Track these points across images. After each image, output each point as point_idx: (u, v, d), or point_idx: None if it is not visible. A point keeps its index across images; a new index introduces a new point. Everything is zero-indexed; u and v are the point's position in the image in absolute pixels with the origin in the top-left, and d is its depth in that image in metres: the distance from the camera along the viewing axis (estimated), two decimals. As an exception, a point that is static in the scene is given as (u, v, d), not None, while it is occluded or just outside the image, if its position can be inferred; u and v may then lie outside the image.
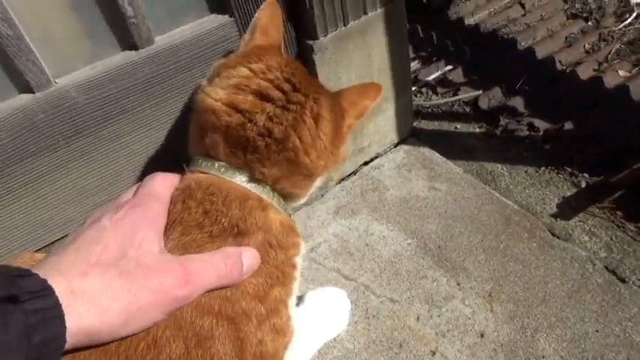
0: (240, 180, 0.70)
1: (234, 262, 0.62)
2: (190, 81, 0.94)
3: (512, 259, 0.98)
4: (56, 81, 0.83)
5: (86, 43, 0.85)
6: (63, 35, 0.83)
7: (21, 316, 0.41)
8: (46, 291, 0.45)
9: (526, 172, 1.23)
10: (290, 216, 0.78)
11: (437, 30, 1.83)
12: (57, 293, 0.45)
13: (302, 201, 0.83)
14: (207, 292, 0.61)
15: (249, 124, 0.68)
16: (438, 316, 0.90)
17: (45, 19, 0.80)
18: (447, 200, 1.12)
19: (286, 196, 0.76)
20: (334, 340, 0.89)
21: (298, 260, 0.75)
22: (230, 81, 0.72)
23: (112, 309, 0.50)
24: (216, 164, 0.70)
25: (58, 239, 0.93)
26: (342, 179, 1.24)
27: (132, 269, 0.53)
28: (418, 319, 0.90)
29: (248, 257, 0.64)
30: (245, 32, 0.94)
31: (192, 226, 0.66)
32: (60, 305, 0.45)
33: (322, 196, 1.21)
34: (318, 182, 0.82)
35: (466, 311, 0.90)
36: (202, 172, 0.71)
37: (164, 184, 0.67)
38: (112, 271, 0.52)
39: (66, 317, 0.45)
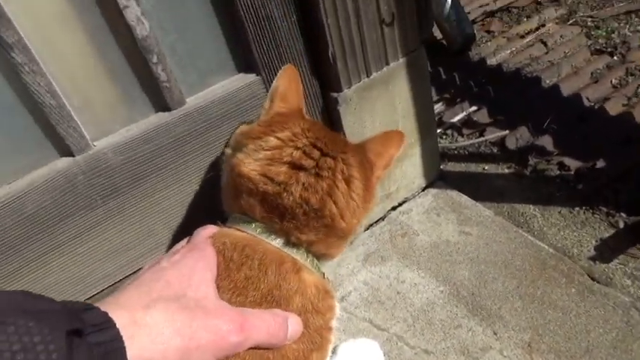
0: (277, 243, 0.71)
1: (281, 322, 0.62)
2: (220, 137, 0.97)
3: (550, 306, 0.95)
4: (94, 144, 0.88)
5: (122, 108, 0.90)
6: (101, 101, 0.88)
7: (85, 349, 0.41)
8: (108, 323, 0.45)
9: (559, 212, 1.20)
10: (323, 275, 0.78)
11: (459, 71, 1.85)
12: (119, 325, 0.45)
13: (335, 259, 0.83)
14: (252, 349, 0.61)
15: (285, 194, 0.70)
16: (475, 367, 0.88)
17: (84, 88, 0.85)
18: (479, 245, 1.11)
19: (320, 257, 0.77)
20: (368, 394, 0.87)
21: (334, 324, 0.75)
22: (260, 154, 0.73)
23: (173, 343, 0.50)
24: (254, 224, 0.72)
25: (96, 294, 0.95)
26: (371, 225, 1.24)
27: (192, 307, 0.54)
28: (454, 371, 0.88)
29: (293, 323, 0.64)
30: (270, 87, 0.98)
31: (227, 289, 0.66)
32: (121, 337, 0.45)
33: (351, 243, 1.21)
34: (351, 239, 0.83)
35: (504, 363, 0.87)
36: (239, 230, 0.72)
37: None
38: (174, 306, 0.52)
39: (128, 348, 0.45)
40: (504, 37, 2.07)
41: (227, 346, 0.55)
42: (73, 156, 0.86)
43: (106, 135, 0.90)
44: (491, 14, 2.24)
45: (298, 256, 0.72)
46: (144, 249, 0.97)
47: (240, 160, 0.74)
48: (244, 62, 0.98)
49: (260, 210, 0.71)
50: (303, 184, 0.71)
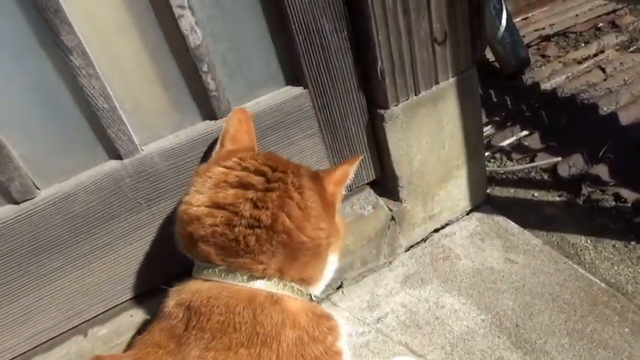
0: (242, 281, 0.69)
1: None
2: (265, 148, 0.97)
3: (600, 345, 0.88)
4: (142, 148, 0.90)
5: (171, 114, 0.92)
6: (151, 107, 0.90)
7: None
8: None
9: (614, 246, 1.13)
10: (310, 298, 0.75)
11: (511, 95, 1.80)
12: None
13: (321, 287, 0.80)
14: None
15: (235, 218, 0.68)
16: (517, 404, 0.82)
17: (136, 93, 0.88)
18: (525, 274, 1.05)
19: (300, 283, 0.74)
20: (401, 422, 0.83)
21: (340, 344, 0.72)
22: (207, 183, 0.72)
23: None
24: (217, 270, 0.70)
25: (134, 297, 0.97)
26: (411, 246, 1.21)
27: None
28: (494, 406, 0.83)
29: None
30: (317, 103, 0.98)
31: (200, 338, 0.65)
32: None
33: (390, 263, 1.18)
34: (332, 260, 0.79)
35: (549, 402, 0.82)
36: (205, 280, 0.71)
37: None
38: None
39: None
40: (560, 62, 2.00)
41: None
42: (122, 159, 0.88)
43: (154, 140, 0.92)
44: (547, 38, 2.18)
45: (272, 288, 0.69)
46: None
47: (186, 203, 0.72)
48: (292, 75, 0.99)
49: (215, 253, 0.69)
50: (252, 200, 0.69)
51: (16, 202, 0.83)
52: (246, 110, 0.88)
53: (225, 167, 0.73)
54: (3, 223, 0.81)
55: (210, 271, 0.70)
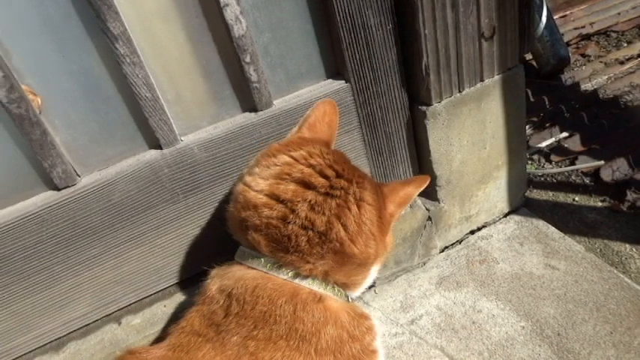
0: (288, 276, 0.69)
1: None
2: (303, 142, 0.96)
3: (649, 358, 0.85)
4: (182, 139, 0.89)
5: (211, 105, 0.91)
6: (192, 97, 0.89)
7: None
8: None
9: (661, 255, 1.09)
10: (348, 300, 0.74)
11: (550, 95, 1.75)
12: None
13: (360, 291, 0.79)
14: None
15: (291, 216, 0.67)
16: (559, 416, 0.79)
17: (178, 82, 0.87)
18: (567, 281, 1.02)
19: (342, 286, 0.74)
20: None
21: (377, 344, 0.72)
22: (271, 170, 0.71)
23: None
24: (262, 260, 0.70)
25: (169, 287, 0.96)
26: (446, 247, 1.18)
27: None
28: (535, 417, 0.80)
29: None
30: (359, 98, 0.96)
31: (243, 326, 0.65)
32: None
33: (424, 263, 1.15)
34: (374, 273, 0.78)
35: (594, 415, 0.78)
36: (250, 267, 0.70)
37: None
38: None
39: None
40: (601, 62, 1.93)
41: None
42: (161, 149, 0.87)
43: (193, 131, 0.91)
44: (588, 37, 2.11)
45: (315, 286, 0.69)
46: (219, 248, 0.96)
47: (246, 184, 0.72)
48: (334, 68, 0.97)
49: (265, 244, 0.69)
50: (310, 202, 0.68)
51: (58, 189, 0.83)
52: (334, 103, 0.86)
53: (292, 158, 0.72)
54: (45, 209, 0.81)
55: (257, 260, 0.70)
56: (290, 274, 0.69)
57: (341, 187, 0.70)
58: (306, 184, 0.69)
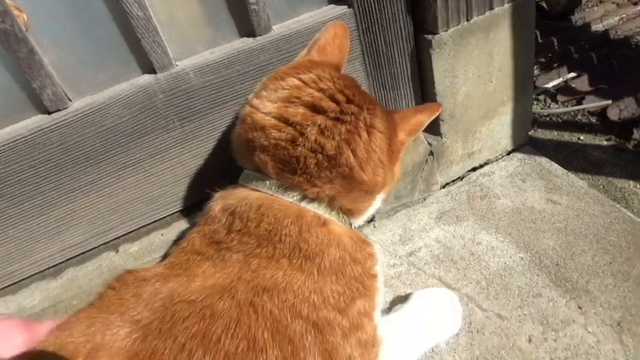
0: (293, 199, 0.68)
1: None
2: (302, 69, 0.92)
3: (647, 287, 0.85)
4: (177, 63, 0.86)
5: (207, 29, 0.87)
6: (187, 19, 0.85)
7: None
8: None
9: (665, 191, 1.07)
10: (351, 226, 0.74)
11: (559, 35, 1.69)
12: None
13: (363, 219, 0.79)
14: (297, 296, 0.61)
15: (300, 139, 0.66)
16: (555, 340, 0.80)
17: (172, 3, 0.83)
18: (568, 215, 1.01)
19: (347, 212, 0.73)
20: (432, 350, 0.82)
21: (378, 269, 0.72)
22: (279, 93, 0.69)
23: None
24: (268, 182, 0.69)
25: (166, 216, 0.96)
26: (447, 184, 1.17)
27: None
28: (530, 340, 0.81)
29: None
30: (362, 24, 0.92)
31: (248, 249, 0.64)
32: None
33: (424, 199, 1.14)
34: (378, 201, 0.78)
35: (589, 339, 0.79)
36: (253, 190, 0.69)
37: None
38: None
39: None
40: (613, 3, 1.86)
41: None
42: (155, 73, 0.84)
43: (189, 56, 0.87)
44: (601, -23, 2.02)
45: (320, 210, 0.69)
46: (216, 176, 0.95)
47: (253, 107, 0.70)
48: (336, -9, 0.92)
49: (272, 166, 0.68)
50: (320, 126, 0.66)
51: (48, 112, 0.81)
52: (346, 26, 0.83)
53: (301, 81, 0.70)
54: (36, 132, 0.79)
55: (262, 182, 0.69)
56: (296, 196, 0.68)
57: (351, 113, 0.68)
58: (316, 108, 0.68)
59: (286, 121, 0.67)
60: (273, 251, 0.64)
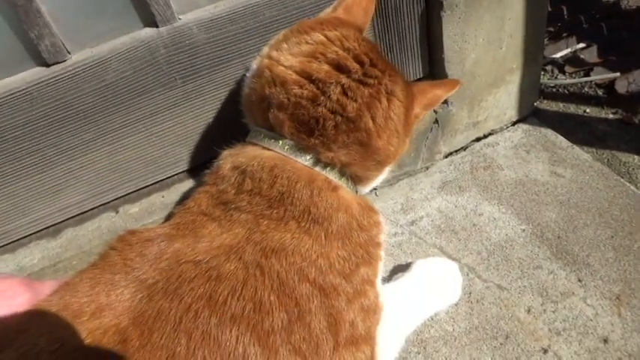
0: (306, 161, 0.66)
1: None
2: (309, 29, 0.89)
3: (648, 261, 0.85)
4: (180, 17, 0.82)
5: (212, -19, 0.83)
6: (191, -30, 0.81)
7: None
8: None
9: (670, 167, 1.07)
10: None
11: (568, 4, 1.65)
12: None
13: (369, 188, 0.78)
14: (304, 259, 0.61)
15: (321, 98, 0.64)
16: (553, 311, 0.81)
17: (176, -49, 0.79)
18: (571, 188, 1.00)
19: (356, 179, 0.72)
20: (431, 319, 0.83)
21: (382, 237, 0.72)
22: (303, 47, 0.67)
23: None
24: (281, 142, 0.67)
25: (166, 178, 0.94)
26: (451, 153, 1.16)
27: None
28: (529, 311, 0.81)
29: None
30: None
31: (259, 210, 0.63)
32: None
33: (427, 168, 1.13)
34: (386, 172, 0.77)
35: (588, 311, 0.80)
36: (265, 148, 0.67)
37: None
38: None
39: None
40: (627, -28, 1.81)
41: None
42: (157, 27, 0.81)
43: (192, 9, 0.84)
44: (615, -55, 1.96)
45: (331, 175, 0.68)
46: (218, 138, 0.93)
47: (273, 59, 0.67)
48: (347, -54, 0.88)
49: (289, 125, 0.66)
50: (343, 86, 0.64)
51: (47, 65, 0.78)
52: None
53: (327, 38, 0.67)
54: (34, 85, 0.76)
55: (275, 141, 0.67)
56: (310, 159, 0.66)
57: (375, 77, 0.66)
58: (341, 67, 0.65)
59: (309, 78, 0.65)
60: (284, 213, 0.63)
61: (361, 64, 0.66)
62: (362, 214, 0.68)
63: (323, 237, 0.63)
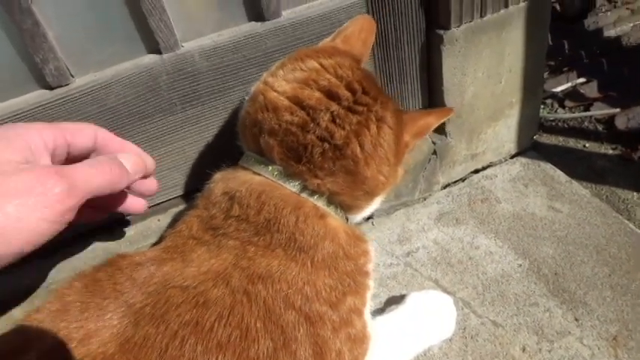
0: (294, 188, 0.66)
1: (109, 162, 0.62)
2: (310, 59, 0.90)
3: (645, 302, 0.84)
4: (183, 44, 0.84)
5: (216, 10, 0.85)
6: None
7: None
8: None
9: (668, 206, 1.06)
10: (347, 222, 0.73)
11: (570, 39, 1.67)
12: None
13: (360, 217, 0.78)
14: (291, 287, 0.60)
15: (311, 125, 0.64)
16: (549, 351, 0.79)
17: (181, -19, 0.80)
18: (569, 224, 1.00)
19: (345, 208, 0.72)
20: (424, 354, 0.81)
21: (370, 267, 0.72)
22: (297, 74, 0.67)
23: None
24: (270, 168, 0.67)
25: (164, 202, 0.94)
26: (448, 185, 1.16)
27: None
28: (524, 349, 0.80)
29: (126, 158, 0.66)
30: (373, 15, 0.89)
31: (246, 236, 0.64)
32: None
33: (425, 199, 1.13)
34: (378, 202, 0.76)
35: (584, 352, 0.78)
36: (255, 173, 0.68)
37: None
38: None
39: None
40: (628, 9, 1.84)
41: (52, 199, 0.51)
42: (160, 53, 0.82)
43: (196, 37, 0.85)
44: (616, -18, 1.99)
45: (319, 202, 0.67)
46: (215, 164, 0.94)
47: (268, 84, 0.68)
48: (349, -20, 0.90)
49: (278, 151, 0.66)
50: (333, 113, 0.65)
51: (50, 88, 0.79)
52: (373, 21, 0.82)
53: (321, 65, 0.68)
54: (37, 107, 0.77)
55: (264, 167, 0.67)
56: (297, 186, 0.66)
57: (365, 104, 0.67)
58: (332, 95, 0.66)
59: (300, 104, 0.65)
60: (270, 240, 0.63)
61: (353, 91, 0.67)
62: (349, 242, 0.68)
63: (309, 264, 0.63)
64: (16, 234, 0.49)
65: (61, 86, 0.79)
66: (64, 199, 0.53)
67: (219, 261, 0.63)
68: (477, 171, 1.18)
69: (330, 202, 0.69)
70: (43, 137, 0.61)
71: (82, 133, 0.68)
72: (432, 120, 0.78)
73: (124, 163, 0.65)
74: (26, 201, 0.49)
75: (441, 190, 1.15)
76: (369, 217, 1.10)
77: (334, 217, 0.70)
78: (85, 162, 0.61)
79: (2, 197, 0.48)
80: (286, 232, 0.64)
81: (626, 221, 0.98)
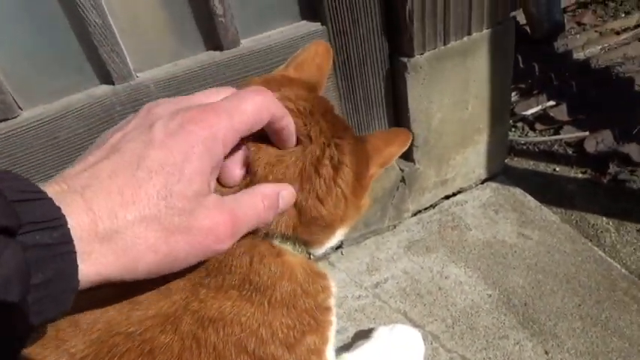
0: None
1: (272, 201, 0.55)
2: (271, 88, 0.88)
3: (615, 333, 0.82)
4: (137, 75, 0.81)
5: (171, 39, 0.83)
6: (150, 29, 0.81)
7: (13, 252, 0.31)
8: (56, 222, 0.35)
9: (638, 230, 1.05)
10: (309, 257, 0.70)
11: (540, 61, 1.68)
12: (73, 226, 0.35)
13: (323, 249, 0.74)
14: (244, 330, 0.56)
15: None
16: (518, 387, 0.77)
17: (133, 10, 0.78)
18: (539, 251, 0.98)
19: (304, 243, 0.67)
20: (392, 393, 0.78)
21: (332, 302, 0.68)
22: None
23: (144, 259, 0.42)
24: None
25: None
26: (419, 211, 1.14)
27: (174, 214, 0.42)
28: (493, 386, 0.77)
29: (285, 196, 0.58)
30: (335, 43, 0.88)
31: (197, 277, 0.60)
32: (71, 241, 0.35)
33: (395, 227, 1.11)
34: (341, 232, 0.73)
35: (554, 388, 0.76)
36: None
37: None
38: (152, 213, 0.40)
39: (82, 260, 0.36)
40: (597, 32, 1.86)
41: (211, 253, 0.49)
42: (113, 84, 0.79)
43: (151, 67, 0.83)
44: (585, 5, 2.03)
45: (275, 241, 0.63)
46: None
47: None
48: (310, 8, 0.89)
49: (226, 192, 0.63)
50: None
51: (-6, 121, 0.75)
52: (328, 46, 0.78)
53: None
54: (-22, 142, 0.74)
55: None
56: None
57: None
58: None
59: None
60: (222, 282, 0.60)
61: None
62: (307, 280, 0.65)
63: (266, 305, 0.60)
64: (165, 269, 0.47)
65: (8, 119, 0.76)
66: (218, 253, 0.51)
67: (169, 303, 0.59)
68: (447, 197, 1.17)
69: (287, 238, 0.66)
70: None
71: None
72: (395, 149, 0.76)
73: (280, 202, 0.57)
74: (189, 253, 0.47)
75: (411, 217, 1.13)
76: (338, 247, 1.07)
77: (292, 254, 0.66)
78: (253, 201, 0.53)
79: (179, 246, 0.45)
80: (240, 272, 0.61)
81: (595, 248, 0.97)
